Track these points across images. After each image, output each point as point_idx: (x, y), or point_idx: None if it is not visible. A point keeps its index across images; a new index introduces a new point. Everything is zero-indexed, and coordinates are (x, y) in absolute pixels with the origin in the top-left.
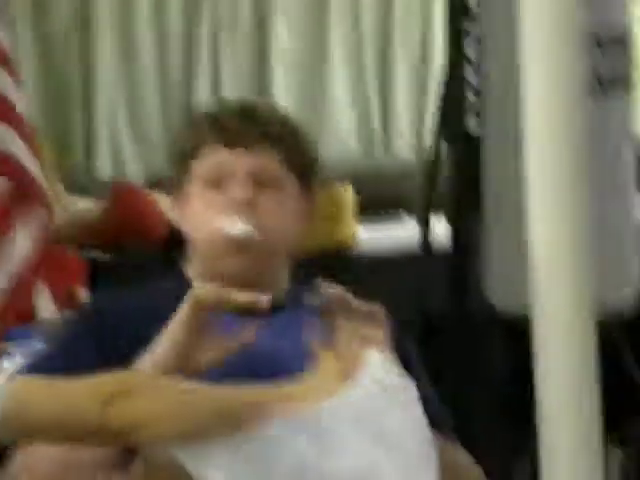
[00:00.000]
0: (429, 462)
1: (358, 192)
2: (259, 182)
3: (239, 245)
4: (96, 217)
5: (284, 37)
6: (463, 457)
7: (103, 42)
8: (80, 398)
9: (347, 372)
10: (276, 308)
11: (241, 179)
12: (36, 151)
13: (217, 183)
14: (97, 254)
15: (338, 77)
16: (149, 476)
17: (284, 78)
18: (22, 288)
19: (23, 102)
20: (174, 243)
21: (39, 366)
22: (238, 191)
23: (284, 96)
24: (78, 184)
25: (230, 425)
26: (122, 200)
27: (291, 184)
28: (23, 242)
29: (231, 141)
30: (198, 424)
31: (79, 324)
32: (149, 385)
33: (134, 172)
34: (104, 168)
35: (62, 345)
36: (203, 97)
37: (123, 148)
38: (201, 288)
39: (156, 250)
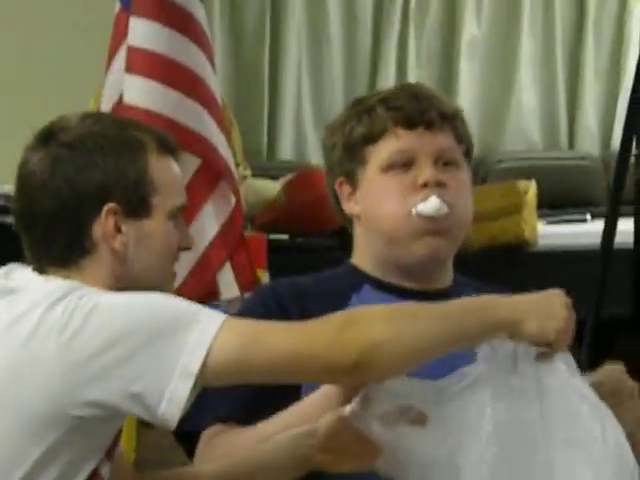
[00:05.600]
0: None
1: (541, 186)
2: (442, 161)
3: (434, 225)
4: (278, 199)
5: (473, 25)
6: None
7: (292, 26)
8: (313, 329)
9: None
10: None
11: (427, 160)
12: (226, 131)
13: (400, 166)
14: (276, 235)
15: (525, 69)
16: None
17: (470, 66)
18: (207, 267)
19: (216, 83)
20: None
21: None
22: (428, 172)
23: (469, 86)
24: (261, 166)
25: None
26: (305, 182)
27: (464, 162)
28: (211, 221)
29: (412, 122)
30: (436, 336)
31: (255, 302)
32: (379, 312)
33: (315, 157)
34: (287, 152)
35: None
36: (388, 84)
37: (306, 133)
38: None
39: (333, 234)
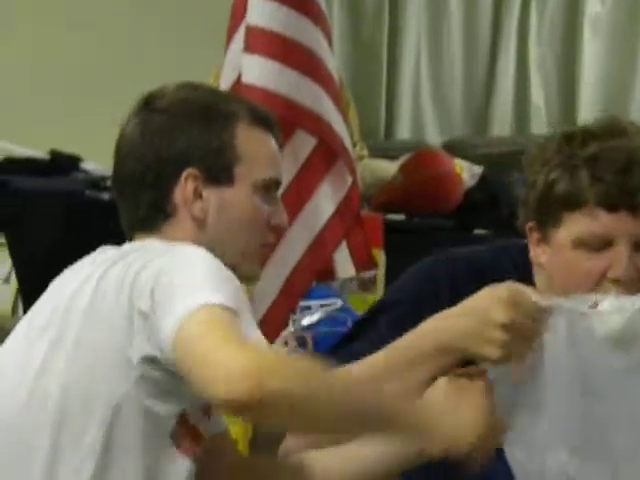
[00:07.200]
0: None
1: None
2: (637, 245)
3: None
4: (395, 179)
5: (596, 2)
6: None
7: (411, 4)
8: (236, 348)
9: None
10: None
11: (624, 248)
12: (343, 111)
13: (593, 244)
14: (393, 215)
15: None
16: None
17: (593, 44)
18: (324, 247)
19: (333, 62)
20: (467, 210)
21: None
22: (622, 268)
23: (592, 64)
24: (379, 146)
25: None
26: (422, 162)
27: None
28: (327, 200)
29: (615, 204)
30: (335, 421)
31: (381, 317)
32: (301, 367)
33: (433, 136)
34: (404, 131)
35: (364, 336)
36: (508, 63)
37: (424, 112)
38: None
39: (450, 215)
